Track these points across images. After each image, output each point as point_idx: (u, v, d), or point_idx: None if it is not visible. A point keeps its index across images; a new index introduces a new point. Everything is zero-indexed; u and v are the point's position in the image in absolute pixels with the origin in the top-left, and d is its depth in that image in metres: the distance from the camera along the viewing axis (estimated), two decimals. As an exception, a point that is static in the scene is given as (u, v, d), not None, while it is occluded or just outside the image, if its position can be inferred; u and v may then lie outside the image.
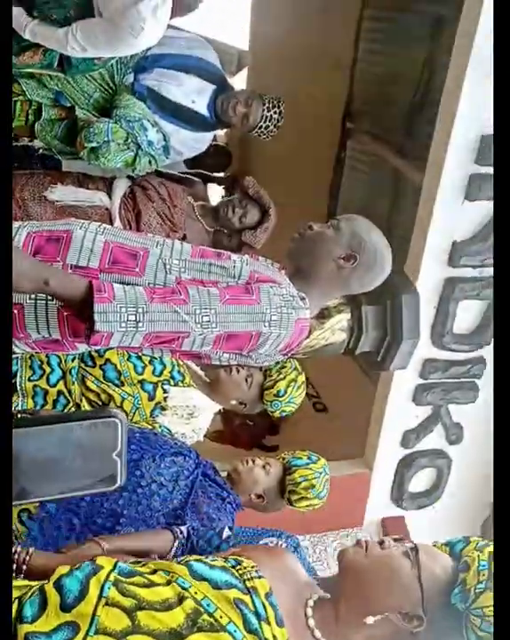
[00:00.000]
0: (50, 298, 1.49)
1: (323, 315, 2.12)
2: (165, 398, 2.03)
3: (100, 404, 2.02)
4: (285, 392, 2.17)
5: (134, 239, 1.59)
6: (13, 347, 1.61)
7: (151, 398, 2.02)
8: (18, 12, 2.22)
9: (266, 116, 2.68)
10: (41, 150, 2.95)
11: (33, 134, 2.71)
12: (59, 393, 2.02)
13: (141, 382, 2.02)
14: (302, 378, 2.23)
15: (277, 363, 2.13)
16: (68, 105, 2.59)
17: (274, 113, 2.69)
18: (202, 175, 3.17)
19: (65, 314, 1.51)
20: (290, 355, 1.69)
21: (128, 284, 1.46)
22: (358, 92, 4.10)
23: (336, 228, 1.65)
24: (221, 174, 4.09)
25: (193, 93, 2.66)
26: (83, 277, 1.46)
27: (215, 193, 3.77)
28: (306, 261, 1.67)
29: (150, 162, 2.59)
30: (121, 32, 2.18)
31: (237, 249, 2.81)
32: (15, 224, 1.65)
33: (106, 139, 2.47)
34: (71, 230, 1.56)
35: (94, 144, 2.48)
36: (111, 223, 2.65)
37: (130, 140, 2.51)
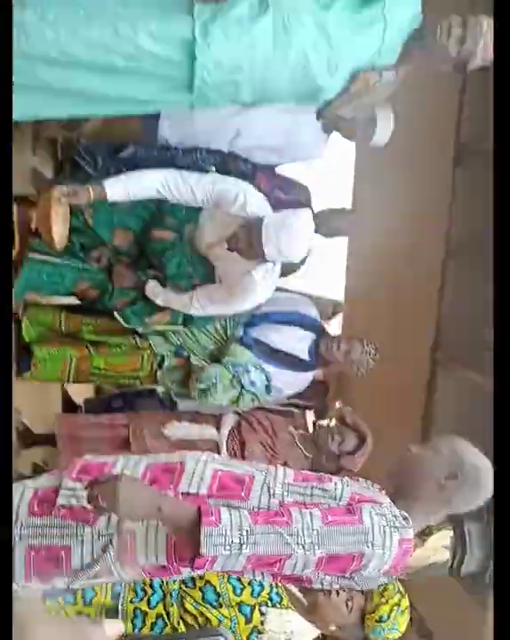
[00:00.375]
0: (160, 524, 1.60)
1: (424, 532, 2.14)
2: (262, 622, 2.04)
3: (197, 627, 2.05)
4: (388, 617, 2.11)
5: (240, 466, 1.75)
6: (122, 574, 1.70)
7: (248, 621, 2.05)
8: (153, 284, 2.74)
9: (366, 351, 2.99)
10: (162, 394, 3.40)
11: (156, 381, 3.14)
12: (158, 616, 2.08)
13: (239, 604, 2.08)
14: (406, 601, 2.16)
15: (379, 585, 2.07)
16: (186, 355, 3.03)
17: (371, 349, 3.00)
18: (298, 406, 3.47)
19: (173, 539, 1.60)
20: (393, 576, 1.70)
21: (234, 508, 1.56)
22: (445, 326, 4.45)
23: (435, 450, 1.71)
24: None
25: (294, 340, 3.05)
26: (192, 503, 1.58)
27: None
28: (406, 482, 1.71)
29: (252, 399, 2.95)
30: (237, 294, 2.64)
31: (336, 472, 2.98)
32: (135, 457, 1.88)
33: (214, 381, 2.86)
34: (184, 461, 1.75)
35: (204, 386, 2.87)
36: (218, 453, 2.94)
37: (234, 381, 2.88)
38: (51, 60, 2.36)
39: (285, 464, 2.85)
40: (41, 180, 3.33)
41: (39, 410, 3.62)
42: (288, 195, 3.20)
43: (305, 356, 3.06)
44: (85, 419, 3.12)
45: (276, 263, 2.60)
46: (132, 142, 3.04)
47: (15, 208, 2.71)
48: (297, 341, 3.05)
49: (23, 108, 2.54)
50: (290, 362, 3.03)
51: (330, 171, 4.51)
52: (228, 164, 3.08)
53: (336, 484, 1.69)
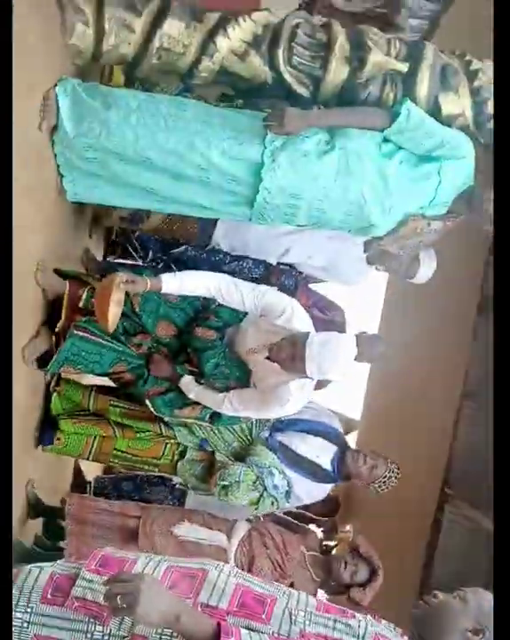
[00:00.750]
0: (175, 634, 1.53)
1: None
2: None
3: None
4: None
5: (264, 586, 1.68)
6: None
7: None
8: (188, 379, 2.78)
9: (389, 468, 3.00)
10: (177, 484, 3.36)
11: (175, 471, 3.12)
12: None
13: None
14: None
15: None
16: (210, 450, 3.03)
17: (393, 470, 3.01)
18: (306, 517, 3.40)
19: None
20: None
21: (254, 631, 1.51)
22: (457, 462, 4.44)
23: (462, 600, 1.66)
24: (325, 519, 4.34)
25: (318, 450, 3.05)
26: (211, 617, 1.52)
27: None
28: (431, 631, 1.66)
29: (272, 503, 2.90)
30: (270, 402, 2.67)
31: (338, 594, 2.97)
32: (156, 557, 1.84)
33: (237, 479, 2.83)
34: (207, 570, 1.68)
35: (226, 483, 2.84)
36: (226, 562, 2.88)
37: (258, 483, 2.86)
38: (126, 157, 2.53)
39: (292, 585, 2.81)
40: (91, 261, 3.44)
41: (50, 480, 3.59)
42: (325, 314, 3.31)
43: (327, 466, 3.05)
44: (97, 503, 3.09)
45: (313, 379, 2.64)
46: (185, 241, 3.19)
47: (67, 285, 2.81)
48: (321, 451, 3.05)
49: (90, 193, 2.71)
50: (313, 471, 3.02)
51: (362, 294, 4.65)
52: (272, 276, 3.25)
53: (360, 621, 1.61)
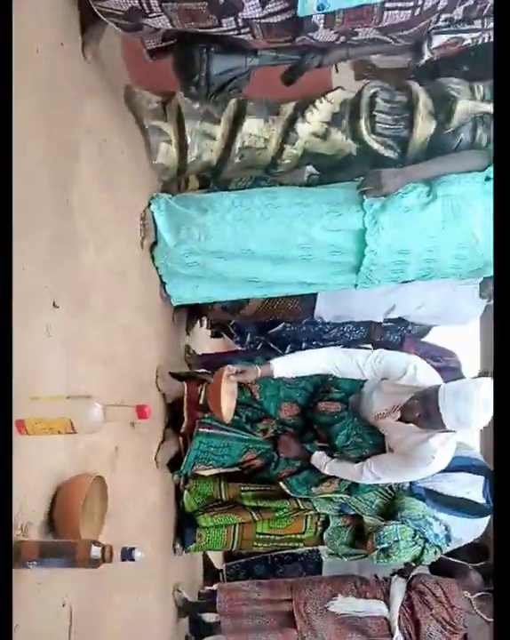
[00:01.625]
0: None
1: None
2: None
3: None
4: None
5: None
6: None
7: None
8: (319, 454, 2.74)
9: None
10: (324, 555, 3.30)
11: (320, 542, 3.07)
12: None
13: None
14: None
15: None
16: (352, 513, 2.97)
17: None
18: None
19: None
20: None
21: None
22: None
23: None
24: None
25: (467, 486, 2.96)
26: None
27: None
28: None
29: (436, 552, 2.82)
30: (413, 463, 2.57)
31: None
32: None
33: (395, 539, 2.77)
34: None
35: (385, 545, 2.77)
36: (391, 635, 2.79)
37: (417, 536, 2.78)
38: (226, 254, 2.60)
39: (465, 637, 2.69)
40: (193, 357, 3.51)
41: (186, 575, 3.59)
42: (438, 361, 3.26)
43: (480, 499, 2.95)
44: (246, 594, 3.05)
45: (455, 431, 2.53)
46: (286, 320, 3.22)
47: (185, 386, 2.87)
48: (469, 486, 2.96)
49: (193, 293, 2.79)
50: (467, 508, 2.93)
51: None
52: (374, 335, 3.21)
53: None
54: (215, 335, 3.86)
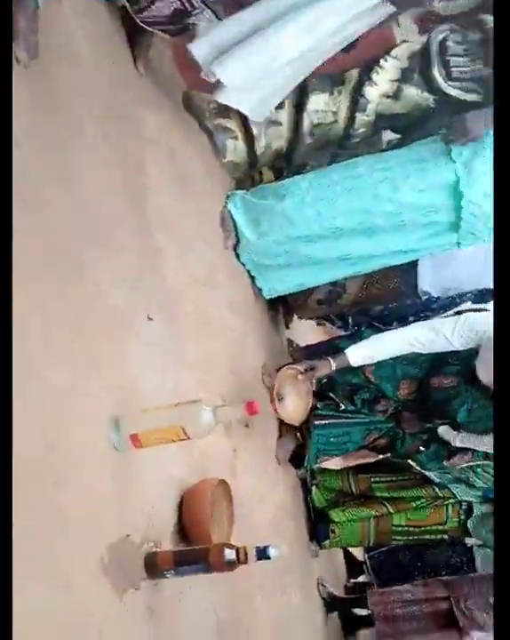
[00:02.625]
0: None
1: None
2: None
3: None
4: None
5: None
6: None
7: None
8: (445, 428, 2.60)
9: None
10: (474, 546, 3.16)
11: (466, 532, 2.91)
12: None
13: None
14: None
15: None
16: None
17: None
18: None
19: None
20: None
21: None
22: None
23: None
24: None
25: None
26: None
27: None
28: None
29: None
30: None
31: None
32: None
33: None
34: None
35: None
36: None
37: None
38: (313, 237, 2.52)
39: None
40: (297, 351, 3.46)
41: (330, 572, 3.55)
42: None
43: None
44: (399, 595, 2.95)
45: None
46: (390, 301, 3.08)
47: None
48: None
49: (284, 283, 2.74)
50: None
51: None
52: (485, 297, 2.99)
53: None
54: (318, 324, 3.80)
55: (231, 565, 1.48)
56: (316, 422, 2.72)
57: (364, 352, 2.44)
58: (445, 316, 2.83)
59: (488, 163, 2.34)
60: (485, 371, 2.53)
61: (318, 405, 2.74)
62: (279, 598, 2.42)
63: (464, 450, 2.66)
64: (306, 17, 1.83)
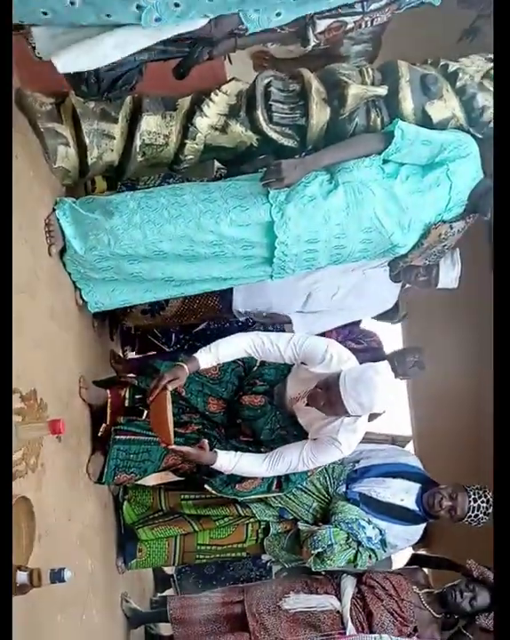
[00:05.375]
0: None
1: None
2: None
3: None
4: None
5: None
6: None
7: None
8: (223, 460, 2.53)
9: (473, 507, 2.87)
10: (269, 563, 3.31)
11: (263, 550, 3.04)
12: None
13: None
14: None
15: None
16: (291, 518, 2.96)
17: (482, 502, 2.88)
18: (421, 559, 3.31)
19: None
20: None
21: None
22: None
23: None
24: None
25: (401, 492, 3.00)
26: None
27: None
28: None
29: (370, 556, 2.84)
30: (322, 451, 2.55)
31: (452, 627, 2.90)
32: None
33: (329, 542, 2.77)
34: None
35: (320, 550, 2.78)
36: (343, 626, 2.80)
37: (350, 540, 2.80)
38: (138, 257, 2.54)
39: (415, 630, 2.73)
40: (120, 363, 3.43)
41: (135, 584, 3.53)
42: (360, 344, 3.30)
43: (414, 507, 3.00)
44: (197, 600, 3.02)
45: (360, 417, 2.54)
46: (209, 318, 3.19)
47: (108, 392, 2.80)
48: (403, 493, 3.00)
49: (110, 298, 2.73)
50: (401, 515, 2.97)
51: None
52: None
53: None
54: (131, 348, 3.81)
55: (24, 588, 1.44)
56: (117, 437, 2.69)
57: (211, 355, 2.50)
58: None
59: (300, 208, 2.50)
60: (292, 387, 2.71)
61: (121, 420, 2.73)
62: (82, 616, 2.36)
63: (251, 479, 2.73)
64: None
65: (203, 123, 2.55)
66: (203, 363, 2.48)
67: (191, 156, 2.63)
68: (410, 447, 6.16)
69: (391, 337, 4.45)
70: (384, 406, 2.49)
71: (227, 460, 2.55)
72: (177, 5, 1.70)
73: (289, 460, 2.56)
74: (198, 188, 2.58)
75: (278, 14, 1.88)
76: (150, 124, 2.51)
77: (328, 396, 2.43)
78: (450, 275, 2.99)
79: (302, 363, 2.61)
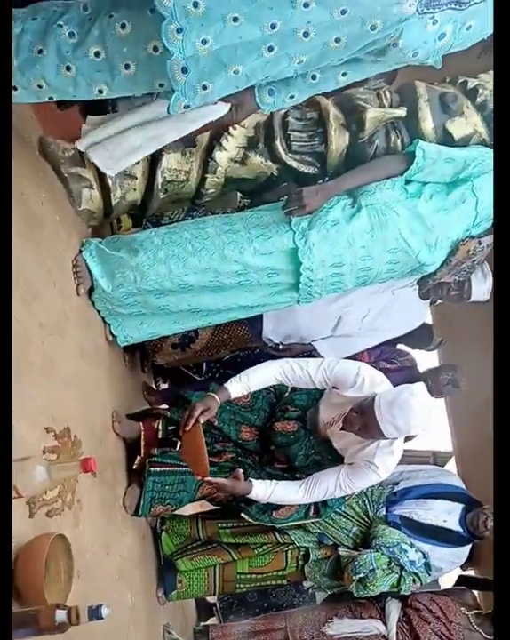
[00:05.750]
0: None
1: None
2: None
3: None
4: None
5: None
6: None
7: None
8: (258, 489, 2.52)
9: None
10: (310, 589, 3.28)
11: (304, 576, 3.04)
12: None
13: None
14: None
15: None
16: (331, 543, 2.96)
17: None
18: (469, 580, 3.26)
19: None
20: None
21: None
22: None
23: None
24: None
25: (443, 514, 2.98)
26: None
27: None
28: None
29: (415, 580, 2.81)
30: (359, 475, 2.53)
31: None
32: None
33: (371, 567, 2.75)
34: None
35: (361, 574, 2.76)
36: None
37: (393, 564, 2.78)
38: (165, 291, 2.59)
39: None
40: (153, 395, 3.48)
41: (178, 614, 3.52)
42: (394, 363, 3.29)
43: (457, 528, 2.97)
44: (240, 627, 3.02)
45: (397, 439, 2.53)
46: (240, 348, 3.21)
47: (141, 425, 2.84)
48: (446, 514, 2.98)
49: (139, 331, 2.77)
50: (444, 537, 2.95)
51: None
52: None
53: None
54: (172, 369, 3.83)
55: (63, 627, 1.46)
56: (152, 469, 2.72)
57: (241, 384, 2.51)
58: None
59: (323, 234, 2.52)
60: (325, 412, 2.70)
61: (155, 452, 2.76)
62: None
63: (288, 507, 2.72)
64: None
65: (222, 156, 2.60)
66: (233, 392, 2.49)
67: (212, 190, 2.68)
68: (451, 463, 6.10)
69: (425, 355, 4.43)
70: (421, 428, 2.47)
71: (263, 489, 2.54)
72: (205, 88, 1.74)
73: (325, 485, 2.55)
74: (220, 220, 2.62)
75: (291, 97, 1.98)
76: (170, 161, 2.57)
77: (363, 419, 2.42)
78: (482, 288, 2.98)
79: (333, 387, 2.61)
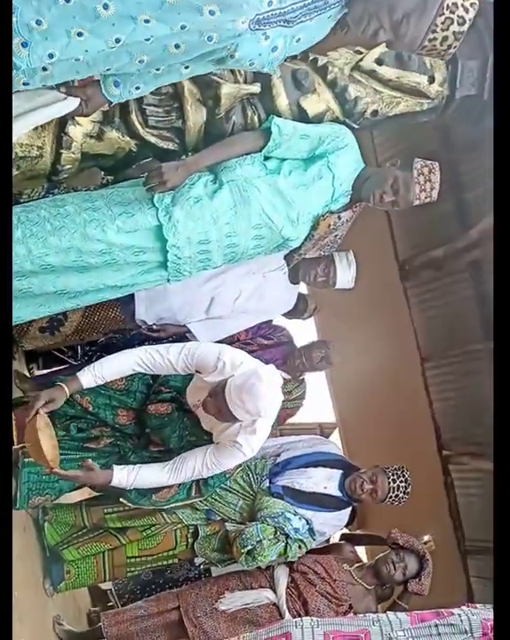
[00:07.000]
0: None
1: None
2: None
3: None
4: None
5: (350, 623, 1.69)
6: None
7: None
8: (119, 476, 2.48)
9: (393, 488, 2.97)
10: (201, 565, 3.30)
11: (195, 553, 3.04)
12: None
13: None
14: None
15: None
16: (218, 519, 2.97)
17: (400, 482, 2.98)
18: (354, 538, 3.40)
19: None
20: None
21: None
22: (443, 421, 4.58)
23: None
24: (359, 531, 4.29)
25: (323, 481, 3.04)
26: None
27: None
28: None
29: (300, 546, 2.88)
30: (225, 455, 2.55)
31: (387, 598, 3.00)
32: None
33: (258, 539, 2.79)
34: (289, 632, 1.71)
35: (249, 547, 2.79)
36: (282, 618, 2.82)
37: (278, 533, 2.83)
38: (26, 272, 2.43)
39: (351, 607, 2.79)
40: (25, 383, 3.32)
41: (70, 603, 3.45)
42: (270, 339, 3.32)
43: (337, 493, 3.04)
44: (132, 612, 2.97)
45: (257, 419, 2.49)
46: (113, 330, 3.13)
47: (14, 414, 2.71)
48: (326, 481, 3.04)
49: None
50: (325, 503, 3.01)
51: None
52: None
53: (460, 615, 1.65)
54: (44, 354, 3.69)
55: None
56: (26, 459, 2.61)
57: (96, 373, 2.45)
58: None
59: (186, 210, 2.47)
60: (191, 395, 2.68)
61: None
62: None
63: (167, 488, 2.68)
64: None
65: (76, 131, 2.48)
66: (85, 382, 2.43)
67: (69, 166, 2.56)
68: (336, 433, 6.34)
69: (304, 329, 4.53)
70: (273, 409, 2.48)
71: (125, 475, 2.50)
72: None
73: (192, 465, 2.54)
74: (80, 198, 2.50)
75: (137, 88, 2.12)
76: (21, 137, 2.43)
77: (216, 403, 2.40)
78: (346, 275, 3.07)
79: (197, 371, 2.58)
